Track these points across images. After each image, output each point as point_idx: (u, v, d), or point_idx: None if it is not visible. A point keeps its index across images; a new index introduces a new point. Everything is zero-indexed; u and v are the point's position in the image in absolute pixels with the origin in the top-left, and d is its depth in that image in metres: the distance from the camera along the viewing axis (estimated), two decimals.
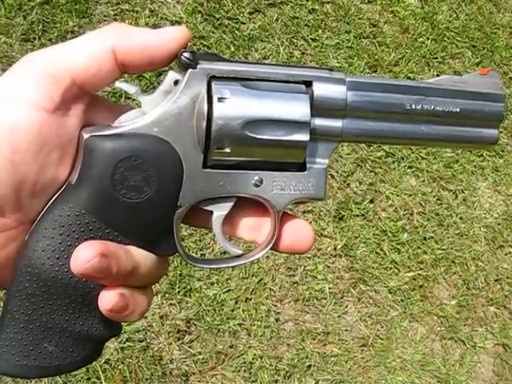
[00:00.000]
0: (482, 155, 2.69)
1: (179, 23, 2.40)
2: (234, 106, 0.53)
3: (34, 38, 2.20)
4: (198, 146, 0.54)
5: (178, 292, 2.03)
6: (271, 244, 0.59)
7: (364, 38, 2.72)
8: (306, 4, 2.64)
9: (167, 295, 2.02)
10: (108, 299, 0.51)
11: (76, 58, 0.51)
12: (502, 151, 2.74)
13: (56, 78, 0.50)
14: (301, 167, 0.58)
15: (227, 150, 0.53)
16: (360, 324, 2.24)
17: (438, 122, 0.61)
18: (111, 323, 0.55)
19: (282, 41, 2.54)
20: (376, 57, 2.67)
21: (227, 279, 2.11)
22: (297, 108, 0.55)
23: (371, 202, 2.42)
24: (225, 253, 2.14)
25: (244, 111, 0.53)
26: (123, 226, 0.53)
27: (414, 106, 0.60)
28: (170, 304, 2.02)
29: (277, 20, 2.57)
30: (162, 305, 2.00)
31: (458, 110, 0.61)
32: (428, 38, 2.83)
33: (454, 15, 2.95)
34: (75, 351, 0.54)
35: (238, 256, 0.60)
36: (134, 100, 1.81)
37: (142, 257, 0.54)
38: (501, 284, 2.49)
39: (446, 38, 2.87)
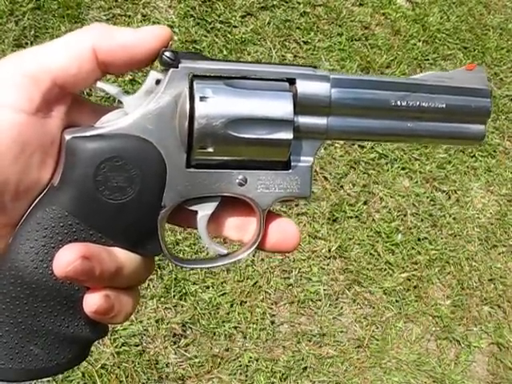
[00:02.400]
0: (474, 156, 2.71)
1: (171, 27, 2.40)
2: (217, 104, 0.52)
3: (27, 44, 2.20)
4: (180, 146, 0.53)
5: (174, 296, 2.03)
6: (256, 243, 0.58)
7: (356, 40, 2.73)
8: (297, 7, 2.65)
9: (162, 299, 2.02)
10: (92, 301, 0.51)
11: (56, 59, 0.50)
12: (494, 151, 2.76)
13: (36, 79, 0.49)
14: (285, 166, 0.57)
15: (210, 150, 0.53)
16: (355, 325, 2.24)
17: (424, 119, 0.61)
18: (97, 325, 0.55)
19: (274, 44, 2.55)
20: (368, 59, 2.69)
21: (222, 283, 2.11)
22: (280, 106, 0.54)
23: (365, 203, 2.43)
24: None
25: (226, 110, 0.52)
26: (107, 228, 0.52)
27: (399, 103, 0.59)
28: (166, 308, 2.02)
29: (269, 23, 2.58)
30: (158, 309, 2.00)
31: (444, 105, 0.61)
32: (419, 40, 2.85)
33: (445, 17, 2.97)
34: (61, 353, 0.53)
35: (224, 256, 0.59)
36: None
37: (126, 258, 0.53)
38: (494, 283, 2.50)
39: (437, 40, 2.89)
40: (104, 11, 2.36)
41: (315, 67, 0.58)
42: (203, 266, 0.61)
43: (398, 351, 2.25)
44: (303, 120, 0.57)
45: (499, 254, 2.57)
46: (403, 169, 2.55)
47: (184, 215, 0.58)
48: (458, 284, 2.44)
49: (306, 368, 2.11)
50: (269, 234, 0.59)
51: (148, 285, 2.01)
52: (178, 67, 0.53)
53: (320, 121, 0.57)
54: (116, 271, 0.51)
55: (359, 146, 2.50)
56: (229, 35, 2.49)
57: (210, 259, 0.61)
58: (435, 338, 2.33)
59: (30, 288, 0.51)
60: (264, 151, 0.55)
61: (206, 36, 2.45)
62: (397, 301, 2.33)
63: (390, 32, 2.82)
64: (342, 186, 2.43)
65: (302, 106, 0.56)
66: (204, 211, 0.57)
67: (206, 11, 2.49)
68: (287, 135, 0.54)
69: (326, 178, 2.41)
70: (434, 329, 2.34)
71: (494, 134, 2.79)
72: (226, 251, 0.59)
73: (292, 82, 0.56)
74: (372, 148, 2.52)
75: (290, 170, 0.57)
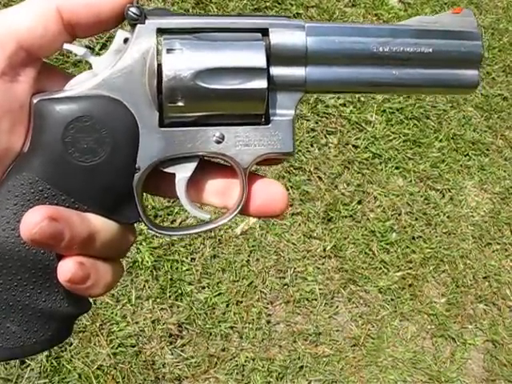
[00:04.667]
0: (467, 154, 2.72)
1: None
2: (184, 56, 0.50)
3: None
4: (152, 104, 0.51)
5: (169, 296, 2.03)
6: (240, 206, 0.56)
7: None
8: (290, 8, 2.66)
9: (158, 300, 2.02)
10: (66, 268, 0.48)
11: (20, 21, 0.49)
12: (488, 150, 2.78)
13: (0, 42, 0.48)
14: (264, 120, 0.55)
15: (180, 104, 0.51)
16: (351, 324, 2.25)
17: (410, 65, 0.57)
18: (77, 299, 0.52)
19: None
20: None
21: (218, 283, 2.11)
22: (251, 55, 0.52)
23: (359, 203, 2.44)
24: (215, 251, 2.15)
25: (195, 61, 0.50)
26: (79, 192, 0.50)
27: (381, 49, 0.56)
28: (162, 309, 2.02)
29: None
30: (154, 309, 2.00)
31: (430, 50, 0.57)
32: None
33: None
34: (40, 330, 0.51)
35: (207, 222, 0.57)
36: None
37: (101, 224, 0.51)
38: (489, 281, 2.51)
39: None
40: None
41: (289, 17, 0.55)
42: (185, 232, 0.59)
43: (394, 349, 2.26)
44: (279, 71, 0.54)
45: (493, 251, 2.58)
46: (397, 168, 2.56)
47: (162, 181, 0.56)
48: (452, 282, 2.45)
49: (302, 367, 2.12)
50: (253, 196, 0.56)
51: (144, 286, 2.01)
52: (144, 23, 0.51)
53: (297, 71, 0.55)
54: (89, 237, 0.49)
55: (353, 145, 2.52)
56: None
57: (192, 226, 0.58)
58: (431, 335, 2.34)
59: (2, 259, 0.49)
60: (239, 104, 0.52)
61: None
62: (392, 299, 2.33)
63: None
64: (336, 186, 2.44)
65: (277, 56, 0.54)
66: (182, 173, 0.54)
67: (199, 13, 2.50)
68: (261, 84, 0.52)
69: (320, 178, 2.42)
70: (429, 327, 2.35)
71: (487, 133, 2.81)
72: (208, 216, 0.56)
73: (265, 32, 0.54)
74: (366, 148, 2.53)
75: (270, 125, 0.55)
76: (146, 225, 0.54)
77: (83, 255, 0.49)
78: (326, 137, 2.49)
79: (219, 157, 0.55)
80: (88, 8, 0.50)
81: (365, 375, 2.18)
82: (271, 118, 0.55)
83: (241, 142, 0.54)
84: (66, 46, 0.51)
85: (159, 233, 0.56)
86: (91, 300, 0.56)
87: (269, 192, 0.56)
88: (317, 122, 2.48)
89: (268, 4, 2.62)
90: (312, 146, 2.45)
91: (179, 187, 0.55)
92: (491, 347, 2.40)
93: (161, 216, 2.09)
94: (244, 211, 0.56)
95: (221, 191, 0.57)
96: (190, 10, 2.48)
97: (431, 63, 0.58)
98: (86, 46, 0.52)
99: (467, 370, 2.33)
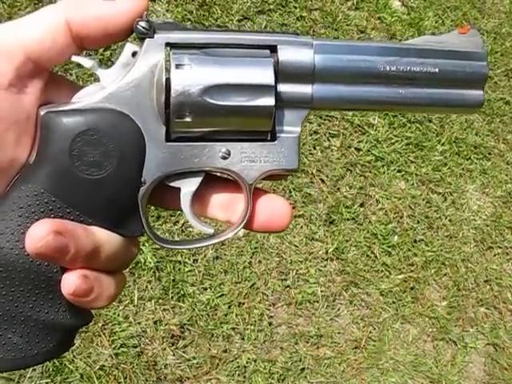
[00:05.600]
0: (469, 158, 2.73)
1: None
2: (193, 71, 0.50)
3: None
4: (159, 118, 0.51)
5: (172, 297, 2.04)
6: (244, 221, 0.55)
7: None
8: (294, 11, 2.67)
9: (161, 301, 2.03)
10: (70, 281, 0.48)
11: (29, 32, 0.49)
12: (490, 154, 2.78)
13: (8, 53, 0.48)
14: (270, 137, 0.55)
15: (188, 120, 0.51)
16: (352, 326, 2.25)
17: (415, 85, 0.57)
18: (79, 311, 0.52)
19: None
20: None
21: (220, 284, 2.12)
22: (259, 72, 0.52)
23: (361, 205, 2.45)
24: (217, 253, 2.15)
25: (203, 77, 0.50)
26: (84, 205, 0.50)
27: (388, 68, 0.56)
28: (164, 309, 2.02)
29: (265, 27, 2.60)
30: (156, 310, 2.01)
31: (436, 70, 0.57)
32: None
33: (440, 21, 3.00)
34: (42, 342, 0.51)
35: (211, 236, 0.57)
36: None
37: (105, 237, 0.51)
38: (490, 285, 2.52)
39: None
40: None
41: (298, 34, 0.55)
42: (188, 246, 0.59)
43: (395, 352, 2.26)
44: (286, 88, 0.54)
45: (495, 255, 2.59)
46: (399, 171, 2.57)
47: (167, 194, 0.56)
48: (454, 285, 2.46)
49: (303, 369, 2.12)
50: (257, 212, 0.56)
51: (146, 286, 2.02)
52: (153, 37, 0.51)
53: (304, 89, 0.55)
54: (94, 250, 0.49)
55: (356, 148, 2.52)
56: None
57: (195, 240, 0.59)
58: (432, 338, 2.34)
59: (6, 271, 0.48)
60: (246, 120, 0.52)
61: None
62: (393, 302, 2.34)
63: (386, 36, 2.85)
64: (338, 189, 2.44)
65: (285, 73, 0.54)
66: (187, 188, 0.54)
67: (204, 15, 2.50)
68: (269, 101, 0.52)
69: (322, 181, 2.43)
70: (430, 330, 2.35)
71: (489, 137, 2.81)
72: (212, 230, 0.56)
73: (273, 49, 0.54)
74: (368, 151, 2.53)
75: (276, 142, 0.55)
76: (150, 238, 0.54)
77: (87, 268, 0.50)
78: (328, 139, 2.49)
79: (225, 172, 0.55)
80: (97, 21, 0.50)
81: (366, 377, 2.18)
82: (277, 134, 0.55)
83: (246, 158, 0.54)
84: (75, 58, 0.51)
85: (164, 246, 0.56)
86: (93, 312, 0.56)
87: (273, 208, 0.56)
88: (320, 125, 2.49)
89: (272, 6, 2.63)
90: (315, 148, 2.46)
91: (184, 201, 0.55)
92: (492, 351, 2.40)
93: (163, 217, 2.10)
94: (247, 226, 0.56)
95: (225, 205, 0.57)
96: (194, 12, 2.49)
97: (437, 83, 0.58)
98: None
99: (468, 373, 2.33)
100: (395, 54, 0.56)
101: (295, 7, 2.68)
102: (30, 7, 2.24)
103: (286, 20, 2.65)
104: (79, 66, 0.53)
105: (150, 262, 2.01)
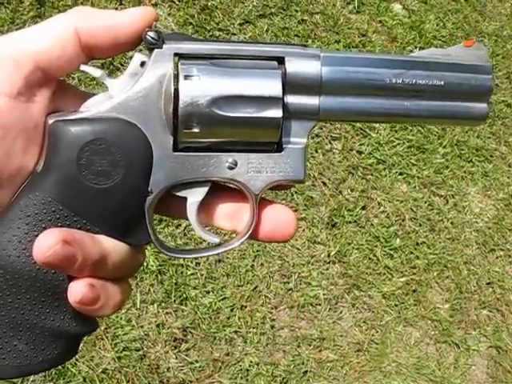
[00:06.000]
0: (471, 161, 2.73)
1: None
2: (201, 82, 0.50)
3: None
4: (166, 128, 0.52)
5: (174, 301, 2.04)
6: (250, 231, 0.56)
7: (353, 47, 2.76)
8: (295, 15, 2.68)
9: (163, 304, 2.03)
10: (77, 290, 0.48)
11: (38, 42, 0.49)
12: (491, 156, 2.78)
13: (17, 62, 0.48)
14: (277, 147, 0.55)
15: (196, 130, 0.51)
16: (355, 329, 2.25)
17: (421, 97, 0.58)
18: (85, 318, 0.52)
19: None
20: None
21: (222, 287, 2.12)
22: (267, 83, 0.52)
23: (363, 208, 2.45)
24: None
25: (212, 88, 0.51)
26: (91, 214, 0.50)
27: (394, 80, 0.56)
28: (166, 313, 2.03)
29: (267, 31, 2.61)
30: (158, 313, 2.01)
31: (442, 83, 0.58)
32: (416, 47, 2.87)
33: (441, 24, 3.00)
34: (47, 349, 0.51)
35: (217, 245, 0.58)
36: None
37: (112, 246, 0.51)
38: (493, 287, 2.52)
39: (433, 47, 2.92)
40: None
41: (305, 45, 0.56)
42: (195, 255, 0.59)
43: (398, 355, 2.26)
44: (294, 100, 0.55)
45: (497, 257, 2.59)
46: (401, 174, 2.57)
47: (173, 203, 0.56)
48: (456, 288, 2.45)
49: (306, 372, 2.12)
50: (263, 222, 0.56)
51: (149, 290, 2.02)
52: (162, 48, 0.51)
53: (311, 100, 0.55)
54: (100, 259, 0.50)
55: (357, 151, 2.52)
56: None
57: (201, 249, 0.59)
58: (434, 341, 2.34)
59: (12, 278, 0.49)
60: (253, 131, 0.53)
61: None
62: (396, 305, 2.34)
63: (387, 39, 2.85)
64: (340, 192, 2.44)
65: (292, 85, 0.54)
66: (193, 197, 0.55)
67: (205, 19, 2.51)
68: (276, 113, 0.52)
69: (324, 184, 2.43)
70: (433, 332, 2.35)
71: (491, 139, 2.81)
72: (218, 240, 0.57)
73: (281, 61, 0.54)
74: (370, 154, 2.54)
75: (283, 153, 0.55)
76: (156, 247, 0.54)
77: (93, 276, 0.50)
78: (330, 142, 2.50)
79: (231, 182, 0.55)
80: (106, 31, 0.50)
81: (368, 380, 2.18)
82: (284, 145, 0.55)
83: (253, 169, 0.55)
84: (83, 68, 0.52)
85: (169, 255, 0.56)
86: (98, 319, 0.56)
87: (278, 218, 0.57)
88: (321, 128, 2.50)
89: (273, 10, 2.64)
90: (316, 151, 2.46)
91: (190, 211, 0.55)
92: (495, 353, 2.40)
93: (165, 220, 2.10)
94: (253, 236, 0.57)
95: (231, 215, 0.58)
96: (196, 16, 2.49)
97: (442, 95, 0.59)
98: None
99: (471, 376, 2.33)
100: (401, 66, 0.57)
101: (296, 11, 2.69)
102: (33, 12, 2.25)
103: (287, 24, 2.65)
104: (83, 70, 0.53)
105: (153, 266, 2.02)
